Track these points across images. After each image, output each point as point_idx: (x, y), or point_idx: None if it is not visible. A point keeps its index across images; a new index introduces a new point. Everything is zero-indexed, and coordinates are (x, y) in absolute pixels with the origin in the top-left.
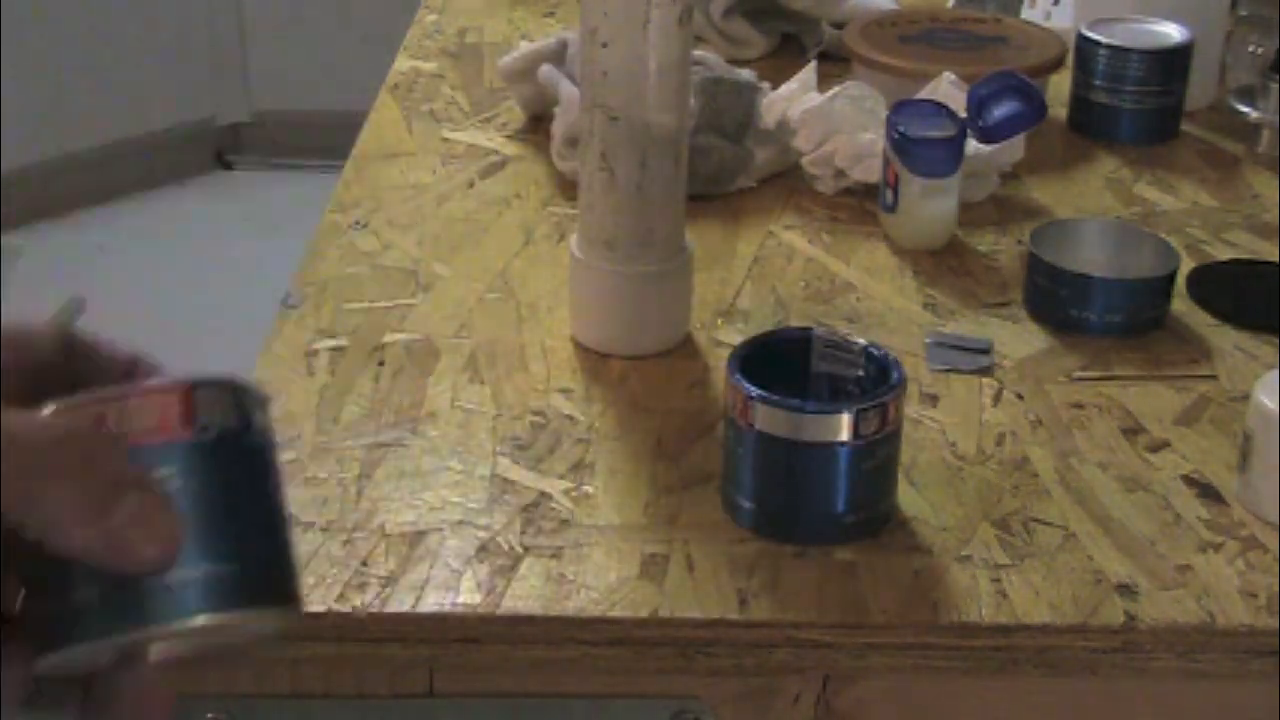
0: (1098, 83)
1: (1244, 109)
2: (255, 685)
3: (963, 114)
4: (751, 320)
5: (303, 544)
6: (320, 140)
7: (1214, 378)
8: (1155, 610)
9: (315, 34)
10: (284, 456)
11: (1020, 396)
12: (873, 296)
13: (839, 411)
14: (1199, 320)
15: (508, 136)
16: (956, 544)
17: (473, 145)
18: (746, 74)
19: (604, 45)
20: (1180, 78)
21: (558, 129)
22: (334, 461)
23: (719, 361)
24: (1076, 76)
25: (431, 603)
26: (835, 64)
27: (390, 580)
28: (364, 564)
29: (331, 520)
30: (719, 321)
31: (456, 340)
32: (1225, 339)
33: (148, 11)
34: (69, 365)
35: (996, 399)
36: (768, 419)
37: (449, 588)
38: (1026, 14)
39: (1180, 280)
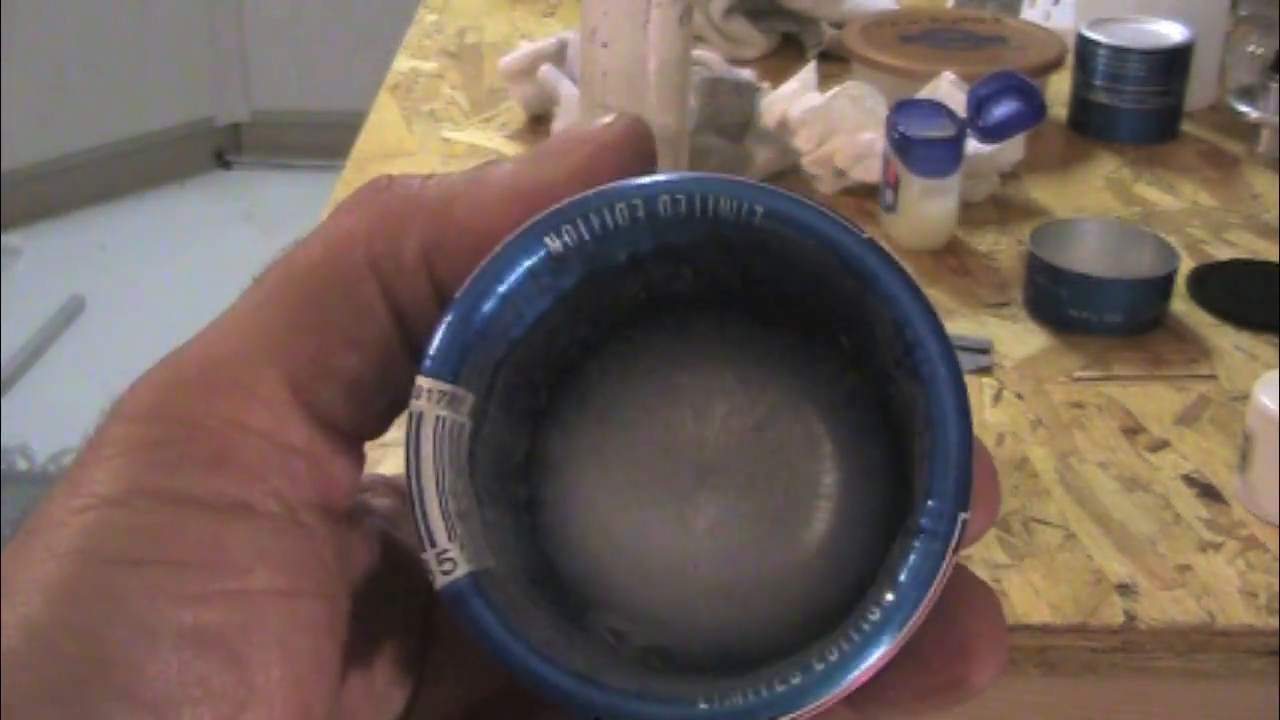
0: (1098, 83)
1: (1244, 109)
2: None
3: (963, 114)
4: None
5: None
6: (320, 140)
7: (1214, 378)
8: (1155, 610)
9: (315, 34)
10: None
11: (1020, 396)
12: None
13: None
14: (1199, 320)
15: (508, 136)
16: None
17: (473, 145)
18: (746, 74)
19: (604, 45)
20: (1180, 78)
21: (558, 129)
22: None
23: None
24: (1076, 76)
25: None
26: (835, 64)
27: None
28: None
29: None
30: None
31: None
32: (1225, 339)
33: (148, 11)
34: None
35: (996, 399)
36: None
37: None
38: (1026, 14)
39: (1180, 280)
